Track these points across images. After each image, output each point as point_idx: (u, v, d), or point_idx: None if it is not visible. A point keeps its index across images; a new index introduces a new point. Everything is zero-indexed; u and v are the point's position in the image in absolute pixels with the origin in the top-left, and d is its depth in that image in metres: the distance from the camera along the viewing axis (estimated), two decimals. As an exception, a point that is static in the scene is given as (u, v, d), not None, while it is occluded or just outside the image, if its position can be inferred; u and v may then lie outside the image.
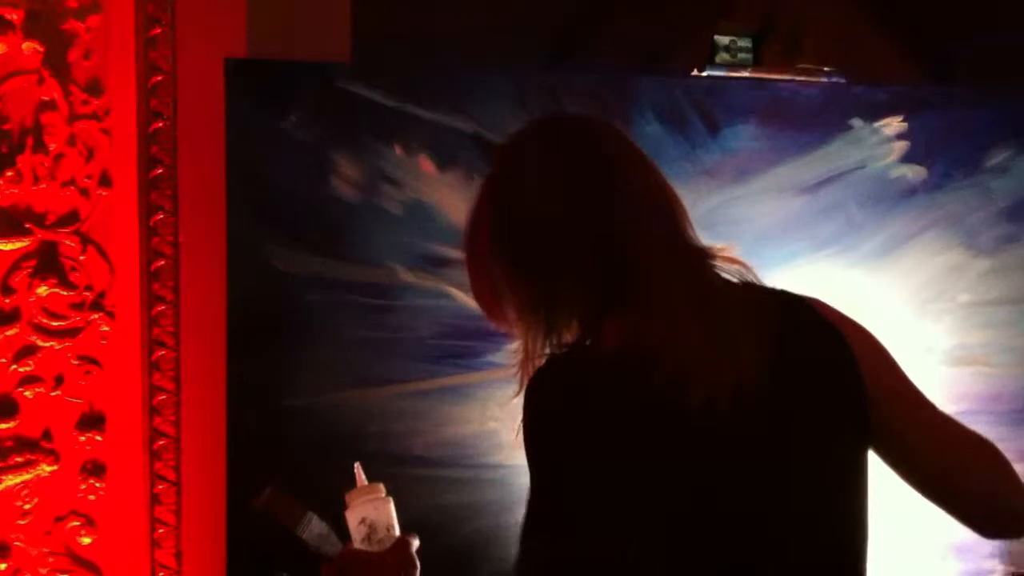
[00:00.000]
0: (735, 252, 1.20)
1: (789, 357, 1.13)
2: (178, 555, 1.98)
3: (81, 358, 1.95)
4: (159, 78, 1.93)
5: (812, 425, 1.12)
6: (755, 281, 1.19)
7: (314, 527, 1.33)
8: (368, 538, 1.33)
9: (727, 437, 1.09)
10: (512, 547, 2.00)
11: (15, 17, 1.87)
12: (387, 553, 1.31)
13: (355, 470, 1.39)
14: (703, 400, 1.07)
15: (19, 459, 1.91)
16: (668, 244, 1.16)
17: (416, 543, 1.33)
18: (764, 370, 1.10)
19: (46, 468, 1.93)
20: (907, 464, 1.19)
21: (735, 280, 1.19)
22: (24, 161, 1.89)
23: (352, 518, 1.35)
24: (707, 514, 1.09)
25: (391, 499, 1.36)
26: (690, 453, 1.09)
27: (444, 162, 1.98)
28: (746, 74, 2.17)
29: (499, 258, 1.18)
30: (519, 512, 2.00)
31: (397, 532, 1.34)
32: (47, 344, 1.93)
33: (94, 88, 1.93)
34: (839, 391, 1.15)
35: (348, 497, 1.37)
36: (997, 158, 2.14)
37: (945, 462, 1.18)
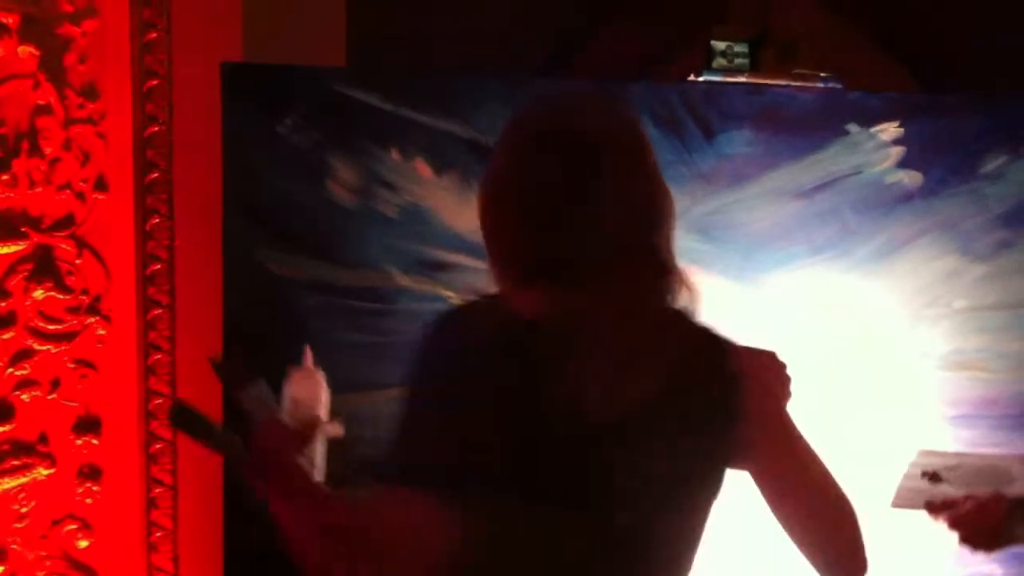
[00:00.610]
0: (693, 279, 1.22)
1: (672, 386, 1.16)
2: (175, 559, 1.98)
3: (77, 362, 1.95)
4: (155, 83, 1.94)
5: (672, 442, 1.16)
6: (691, 312, 1.20)
7: (258, 391, 1.35)
8: (294, 414, 1.36)
9: (584, 433, 1.12)
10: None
11: (11, 21, 1.87)
12: (296, 430, 1.33)
13: (304, 350, 1.41)
14: (570, 392, 1.11)
15: (16, 463, 1.91)
16: (624, 248, 1.16)
17: (332, 430, 1.34)
18: (641, 388, 1.13)
19: (43, 472, 1.93)
20: (774, 506, 1.25)
21: (671, 305, 1.19)
22: (20, 165, 1.89)
23: (285, 392, 1.38)
24: (544, 494, 1.12)
25: (324, 385, 1.39)
26: (544, 429, 1.12)
27: (440, 166, 1.98)
28: (742, 79, 2.17)
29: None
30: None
31: (323, 416, 1.37)
32: (43, 348, 1.93)
33: (90, 92, 1.93)
34: (709, 430, 1.19)
35: (287, 375, 1.41)
36: (993, 164, 2.13)
37: (806, 515, 1.25)
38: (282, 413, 1.37)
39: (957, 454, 1.82)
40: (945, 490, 1.67)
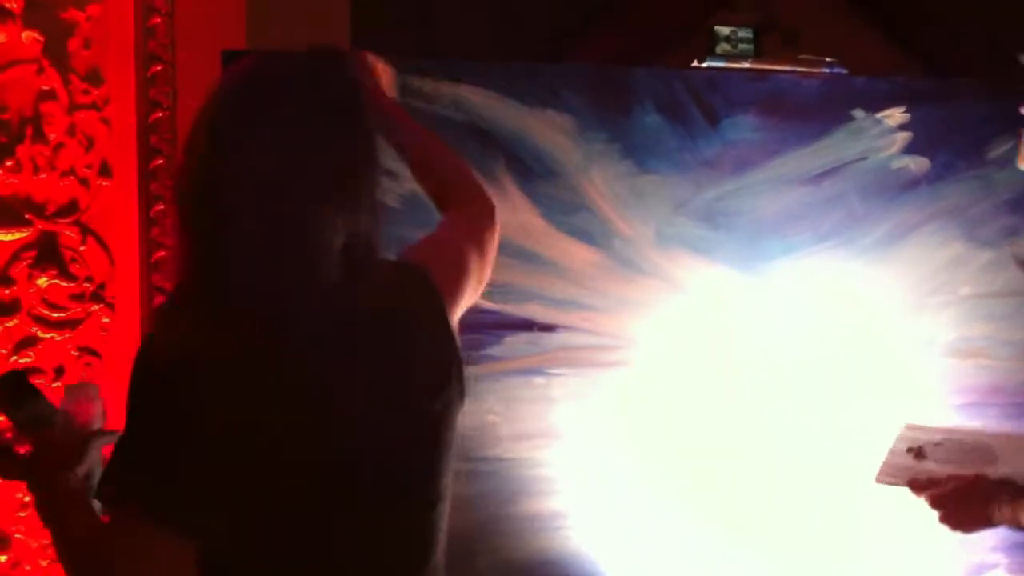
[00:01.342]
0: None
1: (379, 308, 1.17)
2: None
3: (81, 349, 1.94)
4: (158, 68, 1.93)
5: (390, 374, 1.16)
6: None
7: (37, 408, 1.37)
8: (67, 427, 1.37)
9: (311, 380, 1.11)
10: (510, 538, 2.00)
11: (15, 6, 1.87)
12: (63, 440, 1.33)
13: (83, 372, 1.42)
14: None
15: (20, 451, 1.91)
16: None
17: (101, 441, 1.34)
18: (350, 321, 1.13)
19: (46, 459, 1.92)
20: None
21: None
22: (24, 151, 1.89)
23: (63, 405, 1.39)
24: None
25: (97, 398, 1.41)
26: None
27: (443, 154, 1.97)
28: (746, 65, 2.16)
29: None
30: (517, 504, 2.01)
31: (96, 426, 1.38)
32: (47, 335, 1.93)
33: (94, 78, 1.93)
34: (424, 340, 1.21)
35: (65, 389, 1.45)
36: (999, 150, 2.12)
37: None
38: (58, 429, 1.38)
39: (943, 429, 1.82)
40: (929, 467, 1.68)
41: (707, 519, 2.06)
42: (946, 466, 1.67)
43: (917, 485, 1.63)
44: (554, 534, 2.04)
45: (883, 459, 1.73)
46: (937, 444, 1.72)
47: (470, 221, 1.41)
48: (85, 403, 1.41)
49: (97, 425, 1.41)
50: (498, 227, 1.43)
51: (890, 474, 1.69)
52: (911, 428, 1.78)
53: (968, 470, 1.63)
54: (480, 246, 1.39)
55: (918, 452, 1.73)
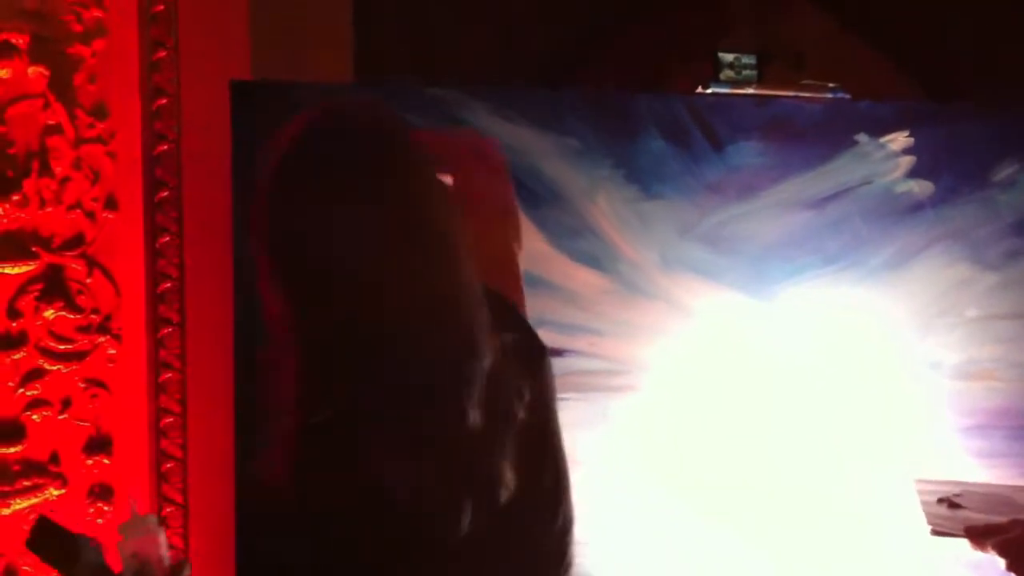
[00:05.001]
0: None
1: None
2: (186, 578, 1.97)
3: (88, 381, 1.94)
4: (164, 101, 1.94)
5: None
6: None
7: (89, 557, 1.31)
8: (139, 572, 1.32)
9: None
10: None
11: (21, 42, 1.88)
12: None
13: (131, 503, 1.40)
14: None
15: (27, 483, 1.91)
16: None
17: (187, 572, 1.32)
18: None
19: (54, 492, 1.92)
20: None
21: None
22: (30, 185, 1.89)
23: (124, 550, 1.34)
24: None
25: (162, 529, 1.36)
26: None
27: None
28: (750, 91, 2.17)
29: None
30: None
31: (167, 563, 1.34)
32: (54, 367, 1.93)
33: (99, 112, 1.93)
34: None
35: (120, 529, 1.38)
36: (1004, 172, 2.13)
37: None
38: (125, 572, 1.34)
39: (951, 482, 1.80)
40: (968, 515, 1.65)
41: (718, 542, 2.06)
42: (987, 515, 1.63)
43: (975, 532, 1.57)
44: (562, 560, 2.03)
45: (924, 513, 1.69)
46: (958, 495, 1.70)
47: (483, 187, 1.39)
48: (150, 538, 1.35)
49: (167, 558, 1.35)
50: (505, 158, 1.39)
51: (942, 525, 1.66)
52: (922, 482, 1.76)
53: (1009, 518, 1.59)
54: (506, 211, 1.37)
55: (950, 503, 1.71)
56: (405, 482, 1.10)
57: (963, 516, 1.65)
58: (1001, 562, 1.55)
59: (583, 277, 2.05)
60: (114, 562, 1.34)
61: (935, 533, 1.66)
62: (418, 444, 1.11)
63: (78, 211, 1.93)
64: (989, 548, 1.56)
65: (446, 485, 1.11)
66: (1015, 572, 1.55)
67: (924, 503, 1.72)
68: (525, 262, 2.01)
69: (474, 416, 1.12)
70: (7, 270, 1.90)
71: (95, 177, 1.94)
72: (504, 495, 1.14)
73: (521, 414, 1.17)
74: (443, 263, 1.16)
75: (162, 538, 1.35)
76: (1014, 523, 1.57)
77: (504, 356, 1.19)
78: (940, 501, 1.71)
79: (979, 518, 1.63)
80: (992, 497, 1.71)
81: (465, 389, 1.12)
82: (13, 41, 1.87)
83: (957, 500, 1.70)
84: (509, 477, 1.17)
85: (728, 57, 2.12)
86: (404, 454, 1.10)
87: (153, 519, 1.37)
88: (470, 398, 1.12)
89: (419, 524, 1.11)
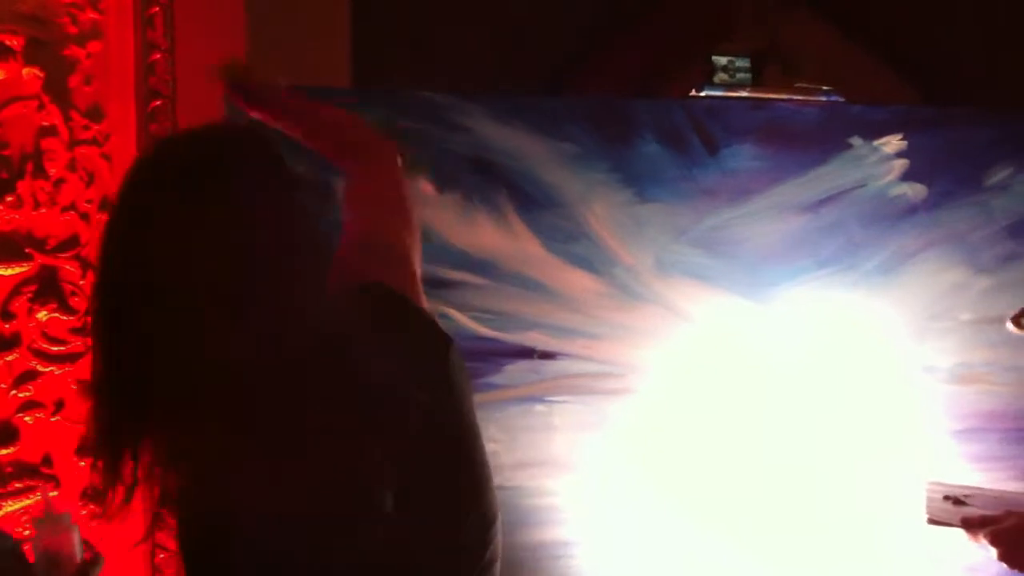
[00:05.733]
0: None
1: None
2: (179, 581, 1.97)
3: (81, 382, 1.94)
4: (159, 103, 1.94)
5: None
6: None
7: (5, 544, 1.32)
8: (49, 569, 1.31)
9: None
10: (512, 567, 2.00)
11: (16, 43, 1.87)
12: None
13: (45, 496, 1.41)
14: None
15: (19, 485, 1.90)
16: None
17: (97, 570, 1.31)
18: None
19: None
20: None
21: None
22: (24, 186, 1.89)
23: (37, 546, 1.33)
24: None
25: (76, 527, 1.35)
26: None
27: (444, 184, 1.98)
28: (745, 94, 2.17)
29: None
30: (519, 534, 2.00)
31: (78, 559, 1.33)
32: (47, 369, 1.92)
33: (94, 114, 1.93)
34: None
35: (34, 524, 1.38)
36: (998, 176, 2.13)
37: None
38: (40, 571, 1.33)
39: (965, 486, 1.81)
40: (972, 511, 1.65)
41: (712, 545, 2.06)
42: (988, 511, 1.64)
43: (971, 523, 1.59)
44: (557, 563, 2.03)
45: (925, 503, 1.70)
46: (967, 496, 1.70)
47: (378, 183, 1.37)
48: (63, 536, 1.34)
49: (79, 555, 1.34)
50: (400, 162, 1.39)
51: (937, 515, 1.67)
52: (934, 483, 1.76)
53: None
54: (401, 208, 1.34)
55: (956, 500, 1.71)
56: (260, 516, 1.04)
57: (965, 511, 1.66)
58: (993, 552, 1.56)
59: (578, 281, 2.05)
60: (29, 554, 1.34)
61: (931, 522, 1.68)
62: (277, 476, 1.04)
63: (72, 213, 1.93)
64: (981, 538, 1.57)
65: (307, 521, 1.05)
66: (1006, 562, 1.55)
67: (930, 499, 1.72)
68: (521, 265, 2.01)
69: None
70: (0, 271, 1.89)
71: (90, 179, 1.93)
72: (390, 511, 1.06)
73: (418, 423, 1.08)
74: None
75: (76, 536, 1.35)
76: (1008, 514, 1.57)
77: (397, 359, 1.09)
78: (946, 498, 1.72)
79: (978, 512, 1.63)
80: (1003, 500, 1.71)
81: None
82: (8, 43, 1.87)
83: (964, 499, 1.71)
84: (389, 500, 1.09)
85: (722, 60, 2.12)
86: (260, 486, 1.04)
87: (67, 517, 1.36)
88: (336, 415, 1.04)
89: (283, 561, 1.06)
